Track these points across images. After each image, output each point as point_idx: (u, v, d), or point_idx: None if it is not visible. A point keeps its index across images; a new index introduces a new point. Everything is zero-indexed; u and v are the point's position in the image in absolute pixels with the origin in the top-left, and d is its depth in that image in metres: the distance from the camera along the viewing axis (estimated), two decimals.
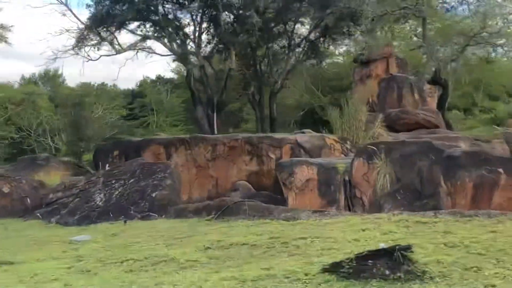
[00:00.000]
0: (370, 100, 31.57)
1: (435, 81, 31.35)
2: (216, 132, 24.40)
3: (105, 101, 38.60)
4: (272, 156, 21.25)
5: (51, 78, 54.79)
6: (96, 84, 52.52)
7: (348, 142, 22.39)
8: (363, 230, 10.65)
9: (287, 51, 26.31)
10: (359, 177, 17.98)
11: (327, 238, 10.10)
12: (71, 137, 25.84)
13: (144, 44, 27.51)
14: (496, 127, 29.97)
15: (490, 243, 8.87)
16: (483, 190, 15.91)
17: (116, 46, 27.63)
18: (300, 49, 27.25)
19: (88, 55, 28.08)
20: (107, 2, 24.20)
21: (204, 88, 24.97)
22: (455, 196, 15.80)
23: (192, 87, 24.80)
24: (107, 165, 21.63)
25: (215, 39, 25.74)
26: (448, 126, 31.23)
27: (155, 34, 25.42)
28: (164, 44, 25.50)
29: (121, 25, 25.35)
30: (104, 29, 25.79)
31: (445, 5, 34.18)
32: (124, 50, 27.72)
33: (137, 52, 28.16)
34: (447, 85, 31.01)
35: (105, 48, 28.12)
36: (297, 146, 21.49)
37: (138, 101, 52.23)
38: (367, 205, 17.52)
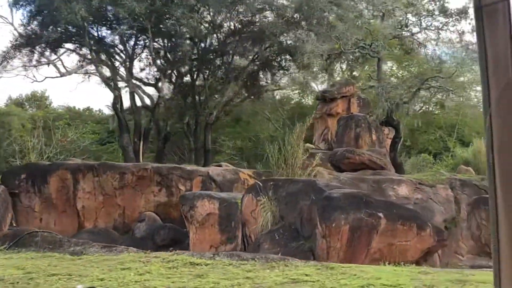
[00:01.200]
0: (329, 138, 31.74)
1: (388, 122, 31.31)
2: (141, 160, 24.39)
3: (80, 125, 38.59)
4: (182, 188, 21.25)
5: (38, 100, 55.01)
6: (81, 108, 52.63)
7: (263, 177, 22.32)
8: (122, 269, 10.09)
9: (223, 83, 26.29)
10: (248, 214, 17.99)
11: (78, 275, 9.72)
12: None
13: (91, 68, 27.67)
14: (443, 172, 29.83)
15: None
16: (361, 234, 15.84)
17: (61, 69, 27.70)
18: (239, 82, 27.23)
19: (34, 76, 28.31)
20: (35, 22, 24.19)
21: (133, 115, 24.96)
22: (330, 239, 15.72)
23: (119, 113, 24.81)
24: None
25: (149, 66, 25.88)
26: (398, 169, 31.07)
27: (88, 57, 25.44)
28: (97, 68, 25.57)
29: (52, 46, 25.32)
30: (39, 49, 25.78)
31: (403, 47, 33.99)
32: (69, 73, 27.76)
33: (89, 76, 28.39)
34: (399, 127, 30.93)
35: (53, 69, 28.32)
36: (209, 179, 21.50)
37: (105, 126, 52.47)
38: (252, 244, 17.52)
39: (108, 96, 67.30)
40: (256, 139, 35.62)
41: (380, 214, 16.04)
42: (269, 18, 26.31)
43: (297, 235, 16.38)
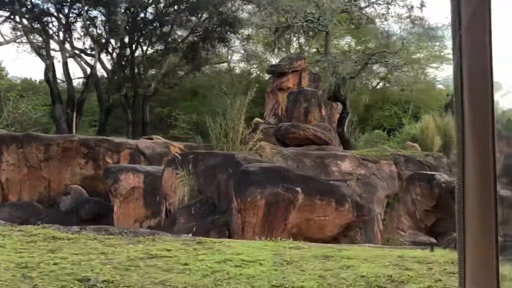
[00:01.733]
0: (280, 113, 31.63)
1: (335, 97, 31.13)
2: (74, 132, 24.04)
3: (32, 97, 37.87)
4: (109, 160, 20.96)
5: None
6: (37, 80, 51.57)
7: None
8: None
9: (162, 55, 25.94)
10: (168, 188, 17.79)
11: None
12: None
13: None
14: (387, 148, 29.78)
15: None
16: (277, 209, 15.68)
17: None
18: (179, 54, 26.91)
19: None
20: None
21: (67, 86, 24.57)
22: (245, 214, 15.56)
23: (51, 84, 24.39)
24: None
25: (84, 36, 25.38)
26: (346, 144, 31.02)
27: (20, 26, 24.82)
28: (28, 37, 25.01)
29: None
30: None
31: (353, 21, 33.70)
32: (7, 42, 27.18)
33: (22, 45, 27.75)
34: (346, 102, 30.76)
35: None
36: (137, 152, 21.23)
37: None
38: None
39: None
40: (212, 114, 35.20)
41: (298, 189, 15.89)
42: None
43: (214, 210, 16.19)
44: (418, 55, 37.30)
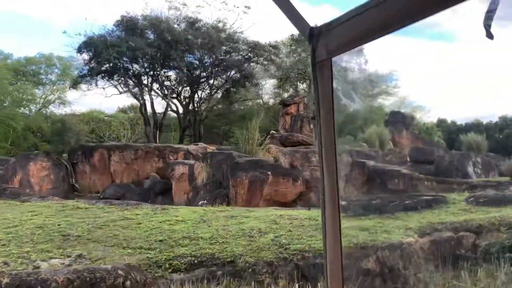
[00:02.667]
0: (287, 127, 32.12)
1: (315, 117, 30.88)
2: (158, 143, 24.15)
3: None
4: (172, 158, 20.82)
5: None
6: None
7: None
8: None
9: (210, 96, 26.08)
10: (196, 173, 17.54)
11: None
12: None
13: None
14: (346, 146, 29.32)
15: None
16: (256, 185, 15.39)
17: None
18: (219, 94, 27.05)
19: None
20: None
21: (153, 115, 24.66)
22: (237, 188, 15.29)
23: (144, 114, 24.52)
24: None
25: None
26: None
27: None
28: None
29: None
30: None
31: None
32: (120, 93, 27.03)
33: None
34: None
35: None
36: (188, 153, 21.07)
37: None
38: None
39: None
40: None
41: (269, 173, 15.55)
42: (235, 57, 25.83)
43: (220, 186, 15.93)
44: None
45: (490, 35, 1.37)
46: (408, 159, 23.14)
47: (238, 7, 26.75)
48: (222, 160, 16.55)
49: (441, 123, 52.91)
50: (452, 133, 48.70)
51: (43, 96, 31.93)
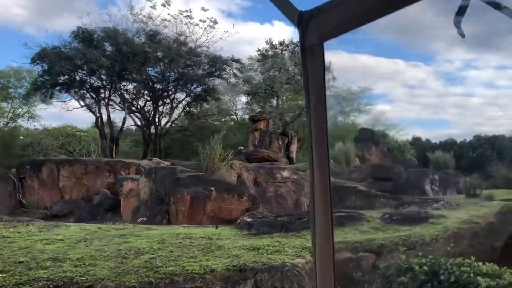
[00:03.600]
0: (256, 143, 31.90)
1: (283, 133, 30.87)
2: (114, 157, 23.40)
3: None
4: (123, 173, 20.11)
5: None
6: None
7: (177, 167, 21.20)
8: None
9: (171, 109, 25.49)
10: (140, 189, 16.91)
11: None
12: None
13: None
14: None
15: None
16: (198, 201, 14.77)
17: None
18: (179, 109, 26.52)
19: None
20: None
21: (109, 129, 23.96)
22: (178, 204, 14.64)
23: (100, 129, 23.79)
24: None
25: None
26: (290, 160, 30.67)
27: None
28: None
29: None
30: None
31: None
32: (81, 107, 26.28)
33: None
34: (290, 136, 30.14)
35: None
36: (140, 168, 20.38)
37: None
38: None
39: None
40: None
41: (212, 188, 14.97)
42: (197, 71, 25.30)
43: (161, 202, 15.28)
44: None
45: (461, 34, 1.39)
46: (369, 176, 22.74)
47: (204, 21, 26.35)
48: (165, 175, 15.92)
49: (415, 141, 52.99)
50: (426, 150, 48.59)
51: (11, 110, 31.13)
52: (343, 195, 19.74)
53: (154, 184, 15.94)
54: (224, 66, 25.15)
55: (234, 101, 30.97)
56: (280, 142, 32.86)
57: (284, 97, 32.63)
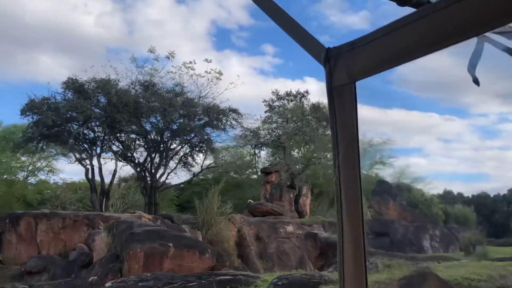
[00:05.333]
0: (267, 196, 31.35)
1: (291, 186, 29.87)
2: (103, 211, 22.48)
3: None
4: (101, 227, 19.07)
5: None
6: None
7: (159, 220, 20.00)
8: None
9: (166, 160, 24.53)
10: (98, 245, 15.86)
11: None
12: None
13: None
14: (319, 216, 27.55)
15: None
16: (154, 258, 13.47)
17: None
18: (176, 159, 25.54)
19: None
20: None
21: (100, 182, 23.14)
22: (130, 262, 13.38)
23: (90, 181, 23.04)
24: None
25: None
26: (300, 213, 29.89)
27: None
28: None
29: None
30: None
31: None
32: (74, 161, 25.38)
33: None
34: (297, 188, 28.96)
35: None
36: (98, 222, 19.34)
37: None
38: None
39: None
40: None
41: (170, 244, 13.71)
42: (192, 123, 24.55)
43: (116, 259, 14.04)
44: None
45: (476, 81, 1.41)
46: (369, 231, 20.94)
47: (209, 73, 25.82)
48: (123, 229, 14.72)
49: (447, 194, 50.77)
50: (457, 204, 46.21)
51: (31, 163, 31.14)
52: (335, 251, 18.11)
53: (113, 240, 14.73)
54: (220, 116, 24.30)
55: (255, 154, 29.96)
56: (292, 195, 31.61)
57: (294, 150, 31.53)
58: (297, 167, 29.25)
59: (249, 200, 32.23)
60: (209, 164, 27.35)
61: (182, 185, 32.11)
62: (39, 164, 30.92)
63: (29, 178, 32.62)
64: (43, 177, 30.43)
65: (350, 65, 1.29)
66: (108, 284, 7.76)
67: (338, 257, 1.40)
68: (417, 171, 47.52)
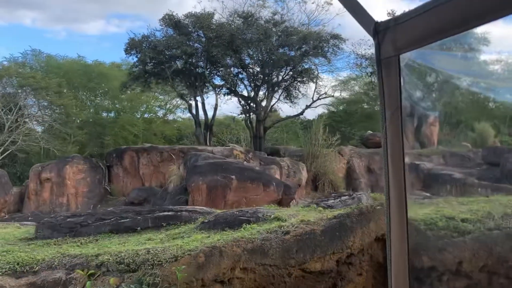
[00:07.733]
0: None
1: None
2: (208, 144, 22.84)
3: None
4: None
5: None
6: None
7: (250, 153, 19.77)
8: None
9: (269, 94, 23.81)
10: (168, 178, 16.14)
11: None
12: None
13: None
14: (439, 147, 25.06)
15: None
16: (217, 191, 13.37)
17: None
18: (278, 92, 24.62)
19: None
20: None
21: (204, 117, 23.42)
22: (194, 194, 13.44)
23: (194, 116, 23.46)
24: None
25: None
26: (422, 145, 28.05)
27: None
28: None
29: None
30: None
31: None
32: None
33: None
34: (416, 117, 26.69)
35: None
36: (212, 154, 19.50)
37: None
38: None
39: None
40: None
41: (233, 176, 13.42)
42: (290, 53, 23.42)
43: (185, 191, 14.17)
44: None
45: None
46: (482, 161, 18.29)
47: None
48: (191, 163, 14.68)
49: None
50: None
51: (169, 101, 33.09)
52: (437, 184, 16.32)
53: (184, 172, 14.81)
54: (321, 43, 22.64)
55: (371, 82, 27.54)
56: (413, 125, 28.85)
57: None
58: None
59: (368, 131, 30.43)
60: (320, 95, 25.97)
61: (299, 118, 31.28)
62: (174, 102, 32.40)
63: (166, 116, 34.63)
64: (180, 114, 32.20)
65: (395, 39, 1.38)
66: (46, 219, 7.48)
67: (385, 205, 1.56)
68: None
